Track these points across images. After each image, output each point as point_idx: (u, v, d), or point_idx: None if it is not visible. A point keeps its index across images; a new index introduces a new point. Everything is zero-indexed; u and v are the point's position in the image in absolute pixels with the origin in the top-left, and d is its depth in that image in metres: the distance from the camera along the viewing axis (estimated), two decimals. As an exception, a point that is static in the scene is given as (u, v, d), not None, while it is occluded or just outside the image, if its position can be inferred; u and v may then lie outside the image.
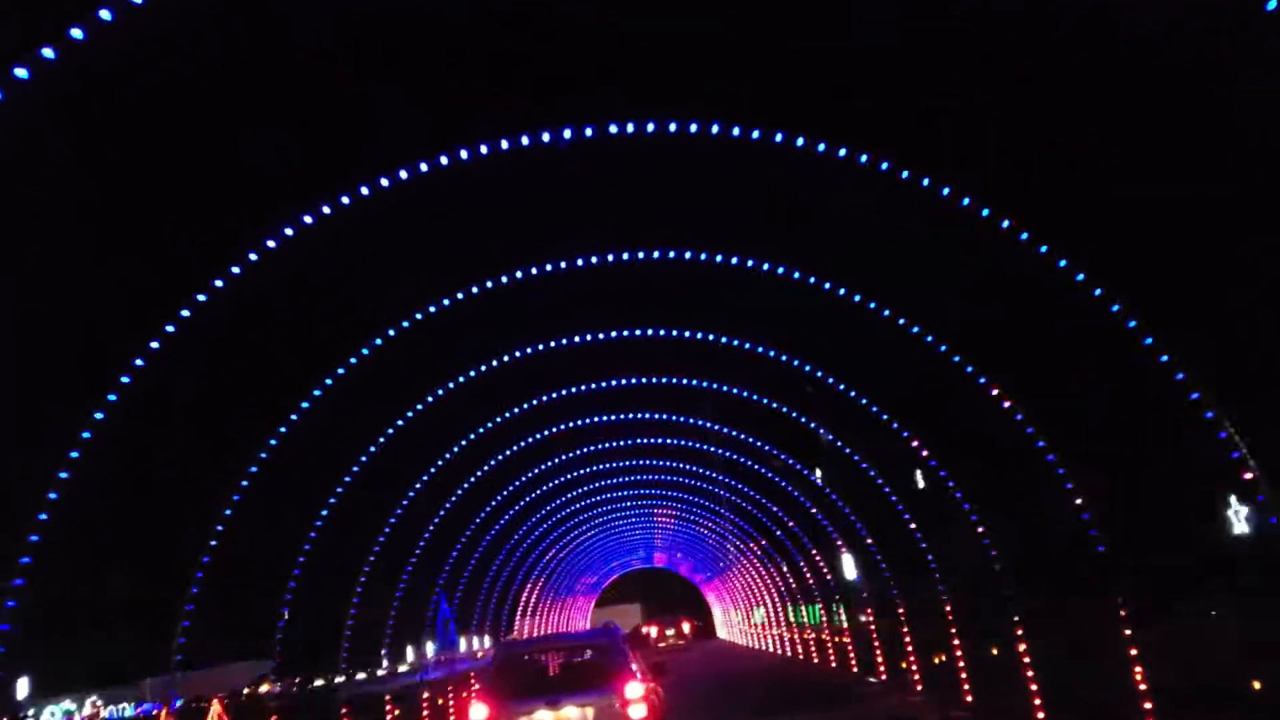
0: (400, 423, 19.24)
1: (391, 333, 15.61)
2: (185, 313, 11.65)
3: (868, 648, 27.93)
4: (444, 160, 10.92)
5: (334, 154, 11.52)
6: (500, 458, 26.20)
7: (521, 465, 28.94)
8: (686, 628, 72.55)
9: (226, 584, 17.43)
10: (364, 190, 10.92)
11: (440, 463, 23.18)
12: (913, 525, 20.24)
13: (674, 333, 18.04)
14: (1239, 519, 24.10)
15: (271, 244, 11.36)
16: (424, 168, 10.75)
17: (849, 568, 29.13)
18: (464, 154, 10.92)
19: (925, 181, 10.63)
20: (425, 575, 29.96)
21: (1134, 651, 13.04)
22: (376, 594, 25.94)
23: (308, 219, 11.21)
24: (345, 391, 16.40)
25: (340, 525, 20.63)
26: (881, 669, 27.00)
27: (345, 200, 10.99)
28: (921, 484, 30.39)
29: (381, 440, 19.23)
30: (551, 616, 56.96)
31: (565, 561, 50.95)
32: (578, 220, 14.31)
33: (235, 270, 11.52)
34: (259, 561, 20.62)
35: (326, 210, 11.18)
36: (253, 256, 11.37)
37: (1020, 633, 16.46)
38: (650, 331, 18.17)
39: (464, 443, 23.17)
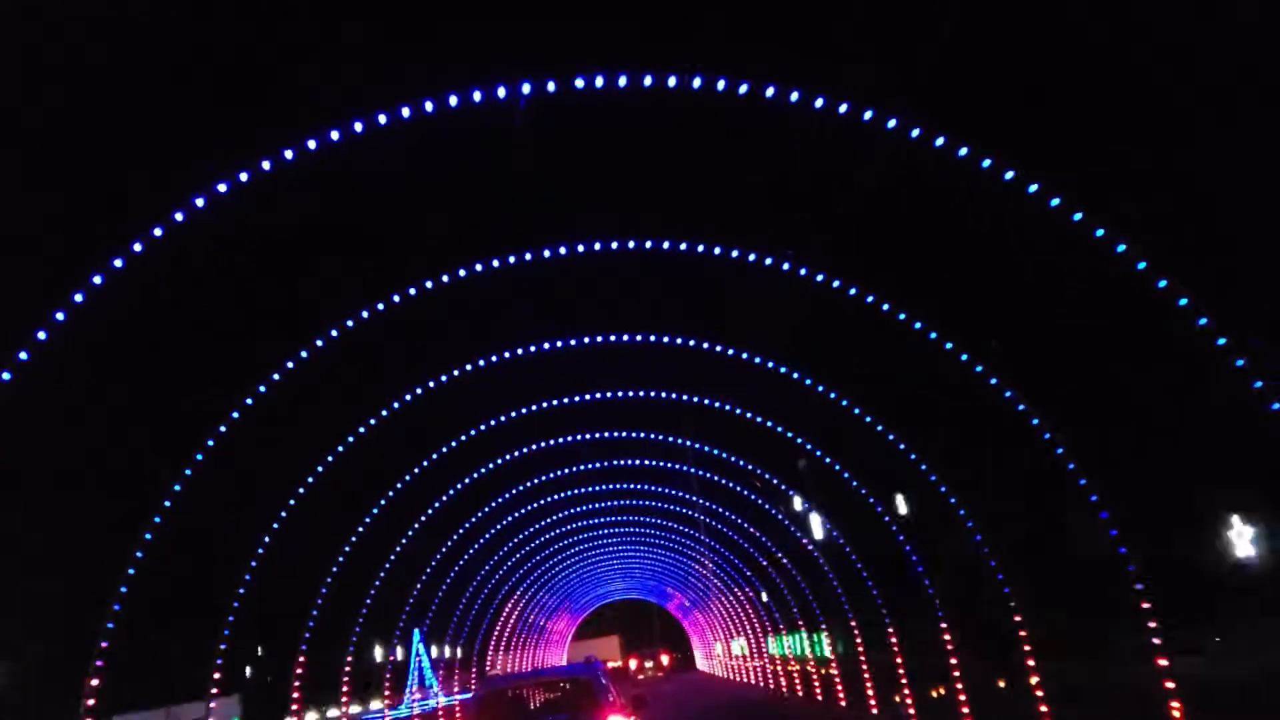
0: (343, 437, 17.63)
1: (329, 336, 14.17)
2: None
3: (857, 680, 26.36)
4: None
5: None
6: (465, 483, 24.76)
7: (490, 491, 27.79)
8: (665, 660, 73.01)
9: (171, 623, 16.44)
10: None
11: (393, 490, 21.70)
12: (909, 549, 18.79)
13: (655, 338, 16.56)
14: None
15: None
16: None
17: (834, 595, 27.61)
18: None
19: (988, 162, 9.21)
20: (389, 613, 28.87)
21: (1170, 685, 11.59)
22: (335, 632, 24.60)
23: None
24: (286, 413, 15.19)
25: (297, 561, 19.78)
26: (872, 703, 25.45)
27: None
28: (905, 509, 29.14)
29: (327, 459, 17.64)
30: (528, 652, 55.32)
31: (541, 595, 49.47)
32: (548, 207, 12.93)
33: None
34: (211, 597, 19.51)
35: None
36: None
37: (1032, 663, 15.00)
38: (627, 337, 16.70)
39: (422, 467, 21.63)
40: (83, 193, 10.10)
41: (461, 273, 12.27)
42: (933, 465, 15.76)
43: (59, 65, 8.96)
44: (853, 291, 12.16)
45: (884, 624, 21.93)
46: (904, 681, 21.85)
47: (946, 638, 18.52)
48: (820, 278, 12.19)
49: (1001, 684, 17.96)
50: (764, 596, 36.99)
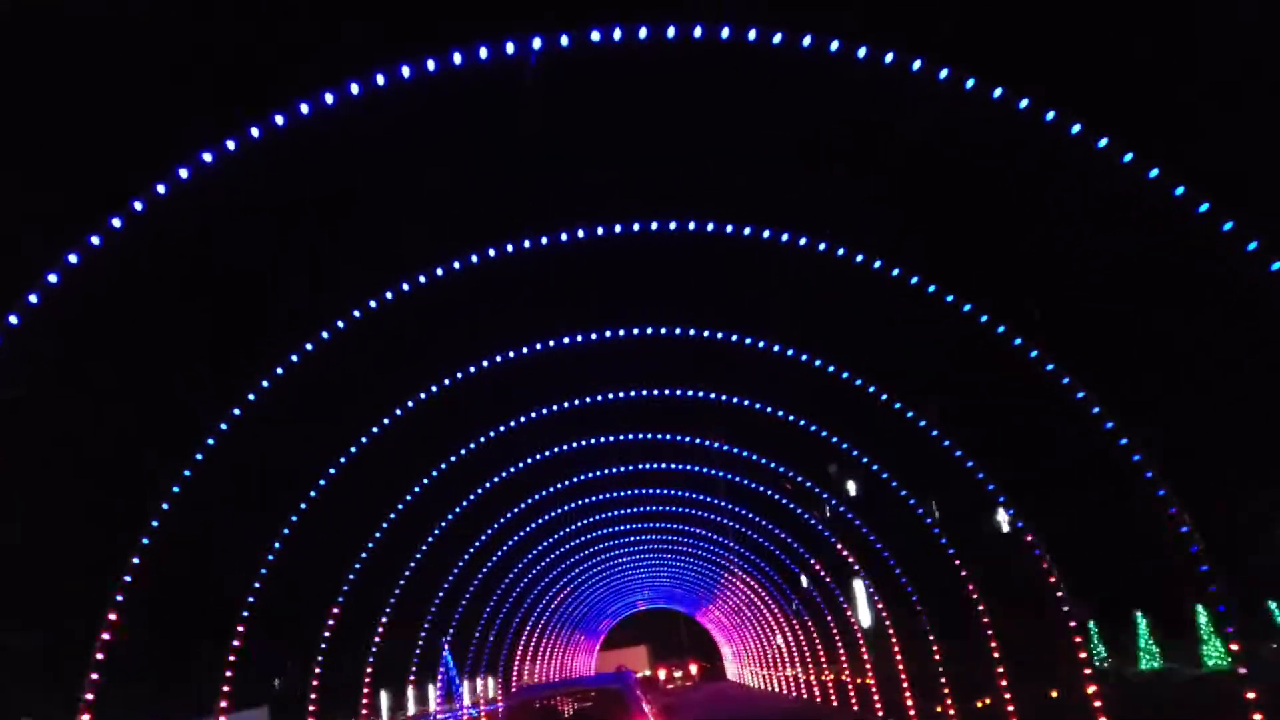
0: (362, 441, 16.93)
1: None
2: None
3: (895, 690, 25.32)
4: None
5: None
6: (487, 486, 24.05)
7: (513, 496, 27.06)
8: (694, 669, 72.63)
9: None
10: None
11: (410, 496, 21.07)
12: (950, 550, 17.80)
13: (681, 331, 15.70)
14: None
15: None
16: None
17: (866, 600, 26.63)
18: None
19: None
20: (416, 620, 28.38)
21: (1252, 696, 10.59)
22: (355, 642, 23.96)
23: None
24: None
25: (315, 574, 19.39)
26: (911, 713, 24.40)
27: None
28: (936, 514, 28.06)
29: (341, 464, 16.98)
30: (555, 661, 54.53)
31: (568, 604, 48.69)
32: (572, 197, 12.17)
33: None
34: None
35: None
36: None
37: (1089, 672, 14.00)
38: (651, 331, 15.83)
39: (441, 473, 21.05)
40: (59, 167, 9.38)
41: (458, 264, 11.51)
42: (984, 465, 14.78)
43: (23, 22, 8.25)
44: (896, 271, 11.25)
45: (924, 631, 20.97)
46: (946, 690, 20.85)
47: (993, 644, 17.53)
48: (860, 257, 11.29)
49: (1054, 694, 16.94)
50: (794, 605, 36.01)
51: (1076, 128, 8.23)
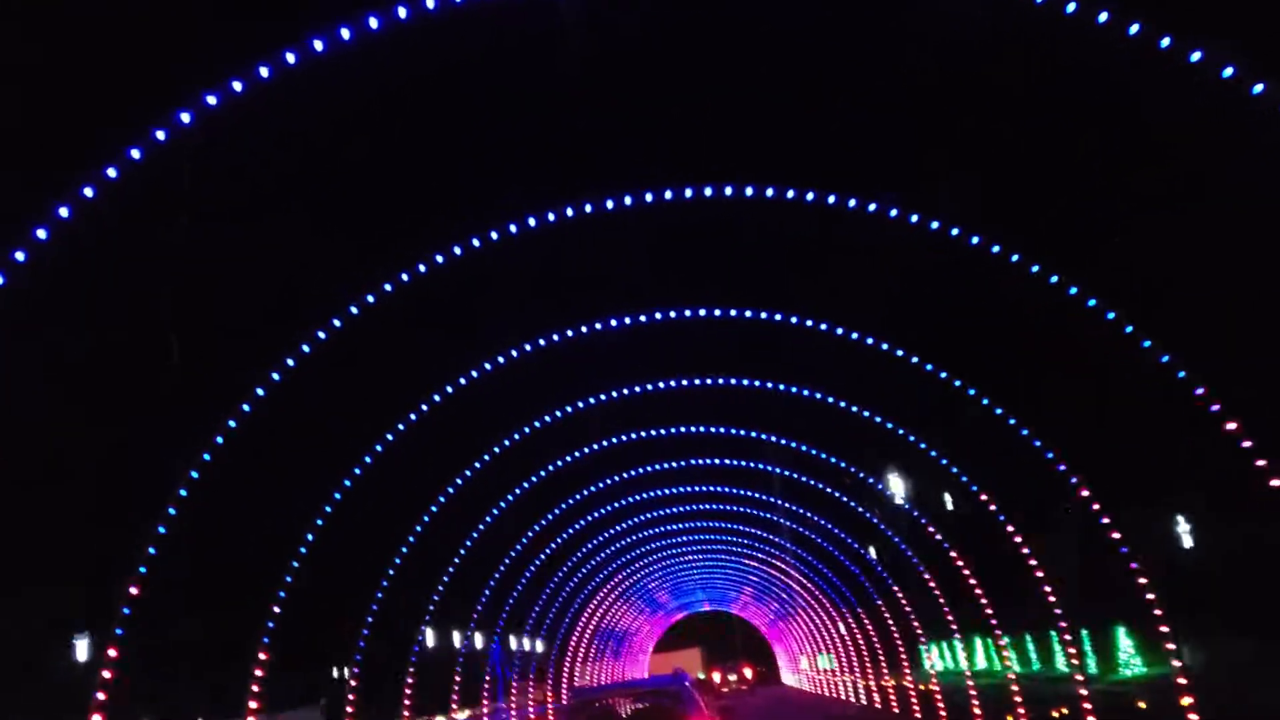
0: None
1: (448, 389, 14.96)
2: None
3: (963, 698, 24.07)
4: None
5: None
6: (561, 507, 25.09)
7: (579, 511, 27.31)
8: (748, 673, 72.12)
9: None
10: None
11: (497, 509, 22.36)
12: (1025, 550, 16.61)
13: (736, 313, 14.83)
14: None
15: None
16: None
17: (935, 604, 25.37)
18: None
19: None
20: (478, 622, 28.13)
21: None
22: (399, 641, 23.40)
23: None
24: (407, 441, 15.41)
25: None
26: (979, 722, 23.14)
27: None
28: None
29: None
30: (606, 664, 53.83)
31: (619, 605, 47.97)
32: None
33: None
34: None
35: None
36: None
37: (1184, 682, 12.79)
38: (705, 313, 14.90)
39: (519, 491, 22.43)
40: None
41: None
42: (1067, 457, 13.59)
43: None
44: (975, 240, 10.17)
45: (994, 632, 19.77)
46: (1018, 699, 19.62)
47: (1071, 651, 16.32)
48: (935, 224, 10.23)
49: (1142, 705, 15.69)
50: (856, 607, 34.81)
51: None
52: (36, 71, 7.32)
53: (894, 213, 10.26)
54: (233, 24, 7.67)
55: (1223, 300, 11.53)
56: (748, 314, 14.83)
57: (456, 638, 28.66)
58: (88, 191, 7.37)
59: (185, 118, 7.40)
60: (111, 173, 7.49)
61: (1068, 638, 16.44)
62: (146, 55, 7.81)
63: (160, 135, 7.37)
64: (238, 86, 7.32)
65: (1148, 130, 9.64)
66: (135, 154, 7.41)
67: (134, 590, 10.64)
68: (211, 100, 7.34)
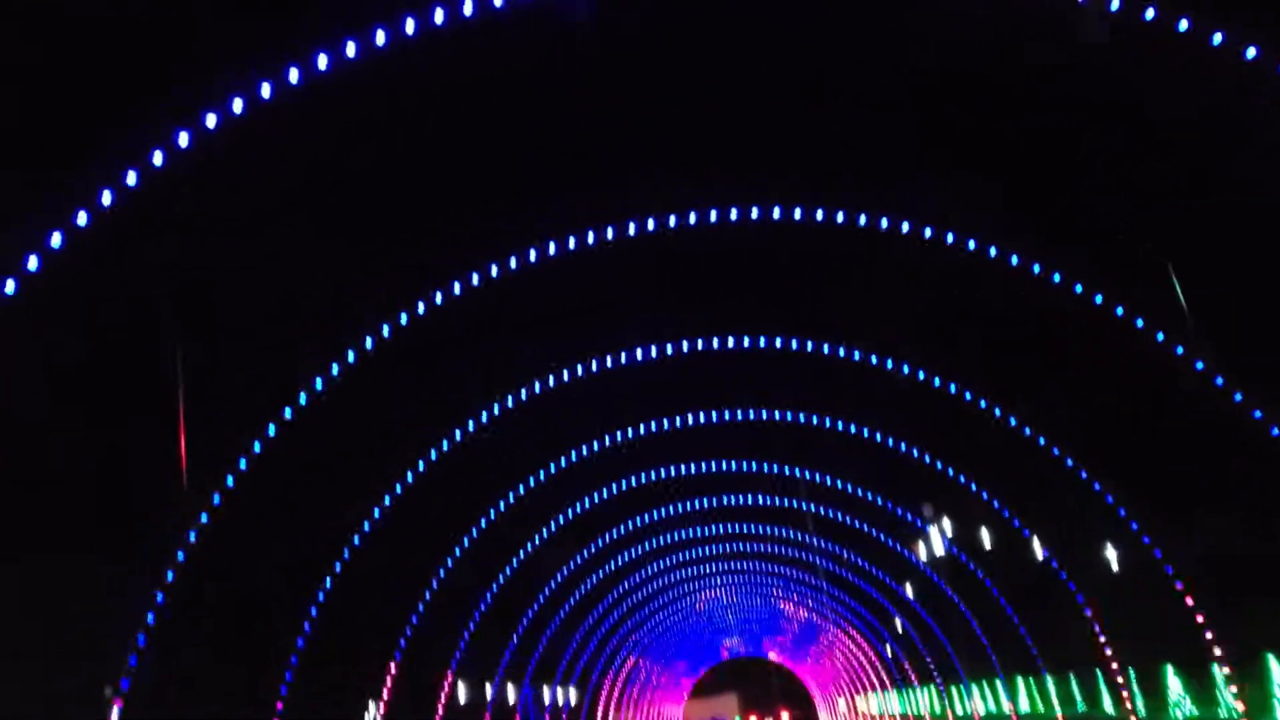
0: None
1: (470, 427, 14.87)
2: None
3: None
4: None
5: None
6: (590, 550, 24.87)
7: (609, 553, 26.88)
8: (786, 717, 70.78)
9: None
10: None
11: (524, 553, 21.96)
12: (1072, 585, 15.99)
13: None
14: None
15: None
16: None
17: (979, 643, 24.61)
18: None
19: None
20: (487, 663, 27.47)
21: None
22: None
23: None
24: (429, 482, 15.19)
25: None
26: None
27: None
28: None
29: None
30: (641, 710, 52.92)
31: (653, 650, 47.16)
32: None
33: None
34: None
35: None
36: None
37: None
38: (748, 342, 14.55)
39: (546, 534, 22.01)
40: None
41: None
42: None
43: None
44: (1014, 259, 9.78)
45: (1038, 672, 19.08)
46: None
47: (1124, 694, 15.66)
48: (972, 243, 9.84)
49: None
50: (888, 650, 34.02)
51: None
52: (36, 72, 7.17)
53: (928, 232, 9.92)
54: (235, 24, 7.48)
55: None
56: (778, 343, 14.48)
57: (488, 690, 28.07)
58: (86, 198, 7.21)
59: (184, 137, 7.25)
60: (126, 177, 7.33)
61: (1119, 679, 15.77)
62: (146, 55, 7.61)
63: (168, 135, 7.21)
64: (238, 103, 7.16)
65: (1156, 128, 9.26)
66: (134, 158, 7.27)
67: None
68: (211, 119, 7.17)
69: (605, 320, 13.54)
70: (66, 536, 10.13)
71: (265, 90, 7.12)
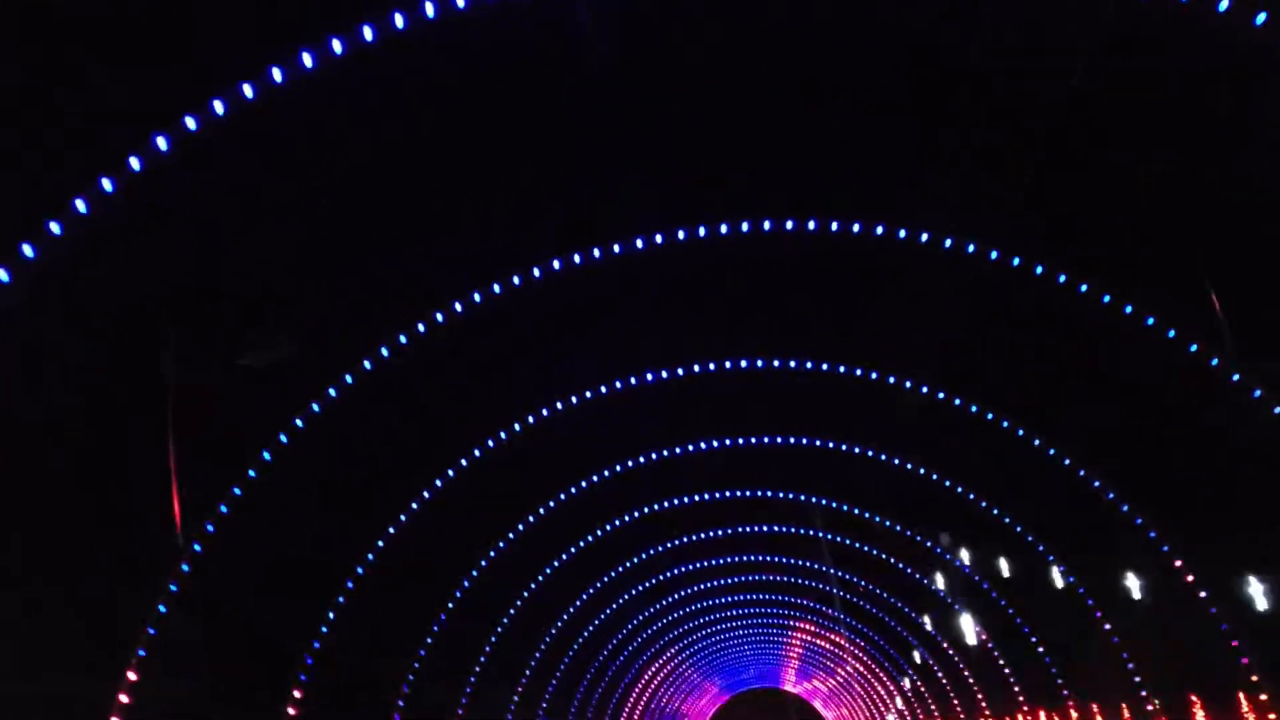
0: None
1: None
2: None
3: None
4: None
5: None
6: (603, 581, 24.45)
7: (622, 585, 26.37)
8: None
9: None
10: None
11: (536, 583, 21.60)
12: (1100, 614, 15.53)
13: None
14: None
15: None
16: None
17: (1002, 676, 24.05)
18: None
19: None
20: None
21: None
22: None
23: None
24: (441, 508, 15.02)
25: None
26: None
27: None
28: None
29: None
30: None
31: (668, 685, 46.48)
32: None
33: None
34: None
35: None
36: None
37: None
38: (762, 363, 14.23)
39: (558, 564, 21.71)
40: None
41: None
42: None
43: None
44: (1039, 269, 9.46)
45: (1064, 704, 18.56)
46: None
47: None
48: (994, 254, 9.52)
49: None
50: (906, 683, 33.42)
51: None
52: (37, 72, 7.01)
53: (948, 243, 9.62)
54: (238, 24, 7.31)
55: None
56: (792, 364, 14.17)
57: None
58: (84, 199, 7.03)
59: (191, 124, 7.08)
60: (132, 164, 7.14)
61: (1149, 707, 15.27)
62: (148, 56, 7.44)
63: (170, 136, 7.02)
64: (248, 90, 6.97)
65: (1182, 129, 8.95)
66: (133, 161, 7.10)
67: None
68: (218, 106, 6.99)
69: (613, 341, 13.27)
70: (67, 537, 9.91)
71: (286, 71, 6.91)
